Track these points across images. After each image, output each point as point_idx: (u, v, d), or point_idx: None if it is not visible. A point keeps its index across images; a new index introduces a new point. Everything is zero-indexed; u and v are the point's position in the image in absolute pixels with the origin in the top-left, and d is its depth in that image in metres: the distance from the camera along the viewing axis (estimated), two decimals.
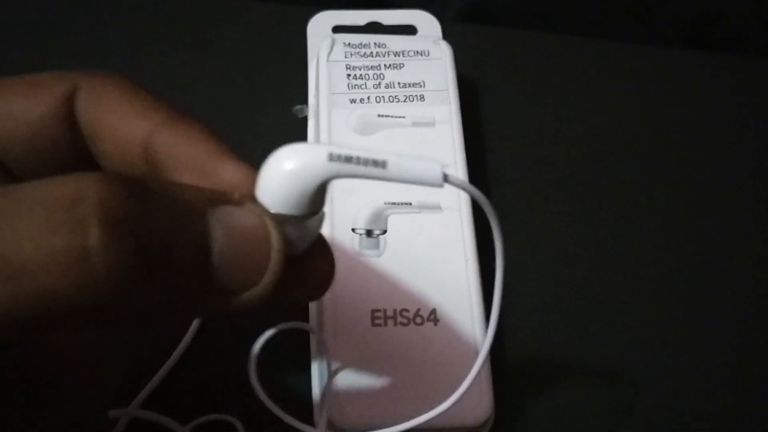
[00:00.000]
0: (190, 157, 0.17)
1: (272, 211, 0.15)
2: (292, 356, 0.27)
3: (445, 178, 0.15)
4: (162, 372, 0.27)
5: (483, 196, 0.16)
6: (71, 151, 0.18)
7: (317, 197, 0.15)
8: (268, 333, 0.22)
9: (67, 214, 0.13)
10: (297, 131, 0.32)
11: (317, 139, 0.30)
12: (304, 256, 0.17)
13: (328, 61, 0.32)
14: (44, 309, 0.13)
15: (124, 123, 0.18)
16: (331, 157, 0.15)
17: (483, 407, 0.25)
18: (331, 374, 0.24)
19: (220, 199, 0.15)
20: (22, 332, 0.13)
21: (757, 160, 0.35)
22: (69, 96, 0.18)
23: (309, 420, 0.25)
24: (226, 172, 0.17)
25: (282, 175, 0.15)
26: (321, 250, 0.18)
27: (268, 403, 0.23)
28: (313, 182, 0.15)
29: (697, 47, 0.38)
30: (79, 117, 0.18)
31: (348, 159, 0.15)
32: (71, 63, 0.34)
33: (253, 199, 0.16)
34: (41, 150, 0.18)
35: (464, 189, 0.16)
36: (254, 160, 0.33)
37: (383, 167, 0.15)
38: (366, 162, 0.15)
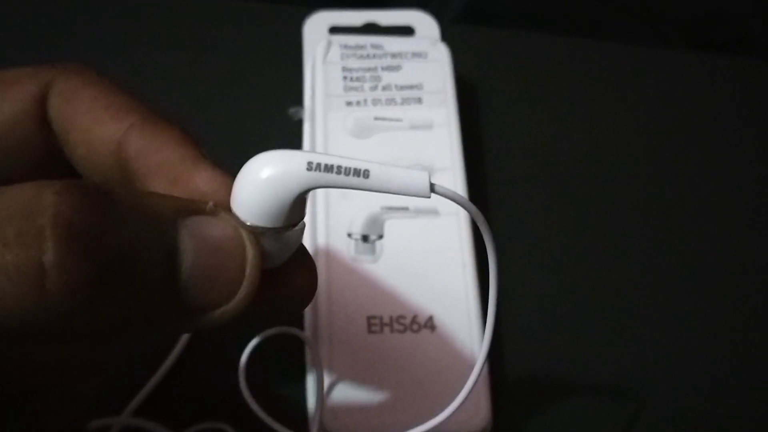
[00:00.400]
0: (162, 162, 0.16)
1: (248, 223, 0.14)
2: (288, 364, 0.27)
3: (433, 188, 0.14)
4: (155, 379, 0.26)
5: (473, 207, 0.15)
6: (44, 150, 0.18)
7: (296, 208, 0.14)
8: (255, 340, 0.22)
9: (22, 227, 0.12)
10: (292, 134, 0.32)
11: (312, 142, 0.30)
12: (284, 268, 0.16)
13: (324, 62, 0.31)
14: None
15: (95, 124, 0.17)
16: (310, 166, 0.14)
17: (481, 415, 0.25)
18: (323, 382, 0.24)
19: (192, 208, 0.14)
20: None
21: (759, 161, 0.35)
22: (41, 94, 0.17)
23: (304, 428, 0.24)
24: (200, 180, 0.16)
25: (257, 186, 0.14)
26: (302, 261, 0.17)
27: (259, 413, 0.22)
28: (291, 193, 0.14)
29: (699, 48, 0.38)
30: (51, 116, 0.17)
31: (328, 168, 0.14)
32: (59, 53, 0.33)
33: (227, 209, 0.15)
34: (13, 149, 0.17)
35: (453, 199, 0.15)
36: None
37: (366, 177, 0.14)
38: (347, 171, 0.14)
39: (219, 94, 0.34)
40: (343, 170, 0.14)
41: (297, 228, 0.15)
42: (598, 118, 0.35)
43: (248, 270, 0.14)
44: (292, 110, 0.33)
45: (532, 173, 0.33)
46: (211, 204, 0.15)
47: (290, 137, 0.32)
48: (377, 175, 0.14)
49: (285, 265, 0.16)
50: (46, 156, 0.18)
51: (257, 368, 0.23)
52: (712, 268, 0.31)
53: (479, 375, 0.21)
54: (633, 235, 0.32)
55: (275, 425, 0.23)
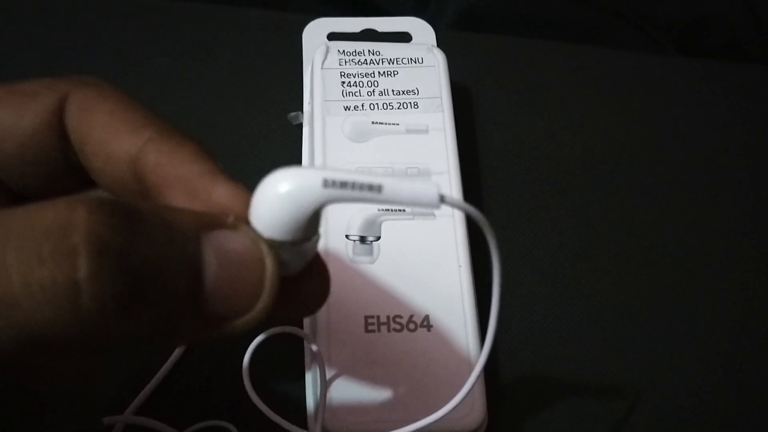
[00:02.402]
0: (181, 177, 0.16)
1: (266, 236, 0.15)
2: (286, 362, 0.28)
3: (442, 200, 0.15)
4: (157, 378, 0.27)
5: (481, 216, 0.16)
6: (62, 162, 0.18)
7: (312, 222, 0.15)
8: (258, 339, 0.22)
9: (56, 245, 0.13)
10: (292, 138, 0.33)
11: (311, 146, 0.30)
12: (299, 276, 0.17)
13: (322, 68, 0.32)
14: (30, 340, 0.13)
15: (113, 138, 0.17)
16: (326, 183, 0.14)
17: (476, 413, 0.25)
18: (325, 380, 0.25)
19: (214, 223, 0.15)
20: (5, 360, 0.13)
21: (751, 165, 0.35)
22: (59, 107, 0.18)
23: (303, 426, 0.25)
24: (219, 194, 0.16)
25: (275, 203, 0.15)
26: (316, 269, 0.17)
27: (265, 410, 0.23)
28: (308, 209, 0.15)
29: (691, 54, 0.38)
30: (69, 128, 0.18)
31: (343, 185, 0.14)
32: (67, 69, 0.34)
33: (246, 222, 0.15)
34: (31, 161, 0.18)
35: (462, 209, 0.15)
36: (251, 166, 0.34)
37: (379, 191, 0.14)
38: (361, 187, 0.14)
39: (220, 100, 0.34)
40: (357, 185, 0.14)
41: (313, 240, 0.16)
42: (592, 122, 0.36)
43: (267, 281, 0.15)
44: (291, 115, 0.33)
45: (527, 177, 0.34)
46: (231, 218, 0.15)
47: (290, 141, 0.33)
48: (389, 190, 0.14)
49: (300, 272, 0.16)
50: (64, 167, 0.18)
51: (256, 367, 0.23)
52: (708, 267, 0.32)
53: (479, 375, 0.21)
54: (627, 237, 0.33)
55: (282, 422, 0.23)
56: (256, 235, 0.15)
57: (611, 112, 0.36)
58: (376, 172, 0.15)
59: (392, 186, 0.14)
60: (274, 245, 0.15)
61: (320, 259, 0.18)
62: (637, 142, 0.35)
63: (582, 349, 0.30)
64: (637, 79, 0.38)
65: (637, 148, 0.35)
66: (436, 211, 0.29)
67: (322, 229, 0.16)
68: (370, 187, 0.14)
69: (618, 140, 0.35)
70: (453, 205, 0.15)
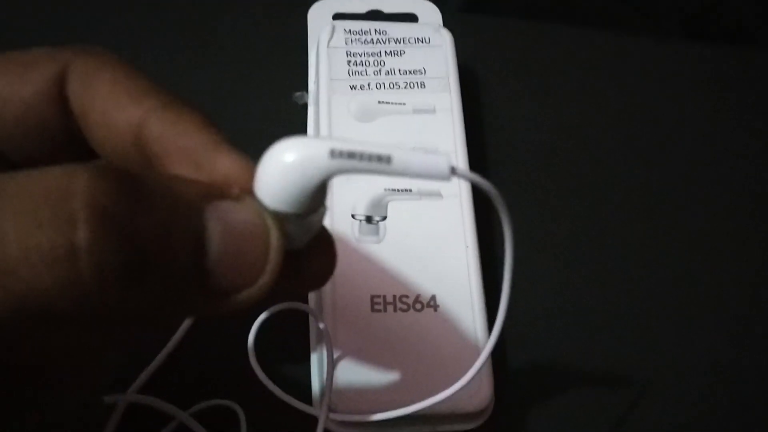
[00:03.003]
0: (184, 147, 0.16)
1: (271, 209, 0.15)
2: (291, 341, 0.27)
3: (453, 171, 0.14)
4: (161, 356, 0.26)
5: (492, 188, 0.15)
6: (63, 132, 0.18)
7: (318, 195, 0.15)
8: (263, 316, 0.22)
9: (55, 210, 0.12)
10: (297, 118, 0.32)
11: (317, 126, 0.30)
12: (305, 250, 0.16)
13: (328, 47, 0.32)
14: (28, 308, 0.12)
15: (115, 108, 0.17)
16: (333, 154, 0.14)
17: (483, 394, 0.25)
18: (332, 359, 0.24)
19: (219, 194, 0.15)
20: (3, 333, 0.13)
21: (763, 152, 0.35)
22: (60, 76, 0.17)
23: (307, 403, 0.25)
24: (223, 164, 0.16)
25: (280, 174, 0.14)
26: (323, 243, 0.17)
27: (270, 385, 0.23)
28: (314, 180, 0.14)
29: (698, 39, 0.38)
30: (70, 98, 0.17)
31: (351, 155, 0.14)
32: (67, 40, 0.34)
33: (251, 194, 0.15)
34: (32, 131, 0.17)
35: (473, 181, 0.15)
36: (255, 146, 0.33)
37: (388, 162, 0.14)
38: (370, 157, 0.14)
39: (225, 80, 0.34)
40: (366, 156, 0.14)
41: (319, 212, 0.15)
42: (598, 104, 0.36)
43: (272, 254, 0.15)
44: (297, 95, 0.33)
45: (533, 160, 0.33)
46: (236, 189, 0.15)
47: (295, 121, 0.32)
48: (398, 160, 0.14)
49: (306, 246, 0.16)
50: (65, 137, 0.18)
51: (260, 345, 0.23)
52: (715, 256, 0.32)
53: (488, 357, 0.21)
54: (636, 224, 0.32)
55: (290, 400, 0.23)
56: (261, 207, 0.15)
57: (618, 94, 0.36)
58: (384, 143, 0.14)
59: (402, 157, 0.14)
60: (279, 217, 0.15)
61: (326, 232, 0.17)
62: (645, 125, 0.35)
63: (590, 333, 0.29)
64: (643, 62, 0.37)
65: (645, 131, 0.35)
66: (443, 192, 0.28)
67: (328, 203, 0.16)
68: (379, 158, 0.14)
69: (626, 123, 0.35)
70: (464, 177, 0.15)
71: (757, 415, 0.28)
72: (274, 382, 0.23)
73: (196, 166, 0.16)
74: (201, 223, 0.14)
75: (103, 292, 0.13)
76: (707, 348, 0.29)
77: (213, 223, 0.14)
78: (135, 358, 0.26)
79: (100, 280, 0.13)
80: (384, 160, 0.14)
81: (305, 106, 0.32)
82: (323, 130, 0.29)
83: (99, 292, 0.13)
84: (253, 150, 0.32)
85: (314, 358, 0.26)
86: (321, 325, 0.24)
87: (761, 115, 0.36)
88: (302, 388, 0.26)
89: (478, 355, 0.26)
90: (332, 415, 0.24)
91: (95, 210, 0.12)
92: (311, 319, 0.27)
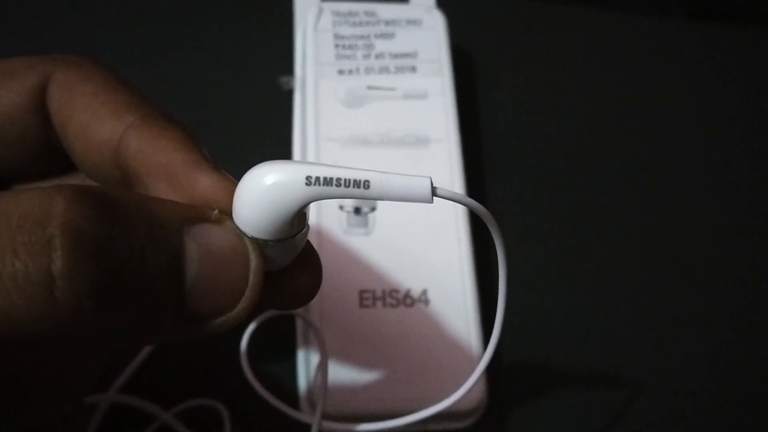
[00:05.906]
0: (163, 165, 0.16)
1: (249, 236, 0.14)
2: (277, 339, 0.27)
3: (435, 192, 0.14)
4: (141, 356, 0.26)
5: (480, 207, 0.15)
6: (44, 144, 0.17)
7: (297, 220, 0.14)
8: (254, 324, 0.21)
9: (31, 236, 0.12)
10: (283, 104, 0.31)
11: (303, 113, 0.29)
12: (288, 269, 0.16)
13: (315, 30, 0.30)
14: (5, 335, 0.12)
15: (94, 121, 0.16)
16: (309, 181, 0.14)
17: (475, 393, 0.25)
18: (326, 362, 0.24)
19: (198, 216, 0.14)
20: None
21: (762, 132, 0.34)
22: (41, 87, 0.17)
23: (293, 404, 0.24)
24: (202, 185, 0.15)
25: (255, 204, 0.14)
26: (306, 261, 0.16)
27: (261, 390, 0.22)
28: (291, 209, 0.14)
29: (700, 18, 0.37)
30: (51, 110, 0.17)
31: (327, 181, 0.14)
32: (54, 38, 0.32)
33: (231, 215, 0.15)
34: (12, 142, 0.17)
35: (457, 201, 0.14)
36: (238, 134, 0.32)
37: (366, 188, 0.14)
38: (347, 183, 0.14)
39: (209, 63, 0.33)
40: (342, 182, 0.14)
41: (300, 234, 0.15)
42: (597, 87, 0.34)
43: (251, 278, 0.14)
44: (282, 79, 0.32)
45: (529, 144, 0.32)
46: (216, 212, 0.15)
47: (281, 107, 0.31)
48: (377, 185, 0.14)
49: (290, 265, 0.16)
50: (45, 148, 0.18)
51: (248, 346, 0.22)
52: (711, 254, 0.31)
53: (486, 366, 0.20)
54: (632, 213, 0.31)
55: (282, 406, 0.22)
56: (240, 230, 0.14)
57: (617, 76, 0.35)
58: (363, 167, 0.14)
59: (380, 181, 0.14)
60: (259, 241, 0.14)
61: (311, 249, 0.17)
62: (644, 107, 0.34)
63: (583, 333, 0.29)
64: (642, 42, 0.36)
65: (642, 112, 0.34)
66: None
67: (311, 219, 0.15)
68: (356, 183, 0.14)
69: (623, 105, 0.34)
70: (447, 197, 0.14)
71: (754, 415, 0.28)
72: (258, 380, 0.23)
73: (175, 185, 0.16)
74: (179, 247, 0.14)
75: (79, 318, 0.12)
76: (701, 348, 0.29)
77: (191, 246, 0.14)
78: (117, 358, 0.26)
79: (76, 307, 0.12)
80: (362, 186, 0.14)
81: (291, 92, 0.31)
82: (309, 117, 0.28)
83: (75, 319, 0.12)
84: (238, 138, 0.31)
85: (301, 356, 0.26)
86: (303, 326, 0.23)
87: (765, 92, 0.35)
88: (288, 384, 0.26)
89: (471, 351, 0.25)
90: (325, 424, 0.23)
91: (72, 236, 0.12)
92: (298, 320, 0.26)
